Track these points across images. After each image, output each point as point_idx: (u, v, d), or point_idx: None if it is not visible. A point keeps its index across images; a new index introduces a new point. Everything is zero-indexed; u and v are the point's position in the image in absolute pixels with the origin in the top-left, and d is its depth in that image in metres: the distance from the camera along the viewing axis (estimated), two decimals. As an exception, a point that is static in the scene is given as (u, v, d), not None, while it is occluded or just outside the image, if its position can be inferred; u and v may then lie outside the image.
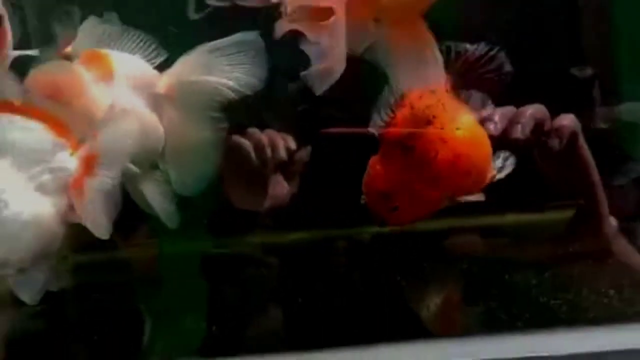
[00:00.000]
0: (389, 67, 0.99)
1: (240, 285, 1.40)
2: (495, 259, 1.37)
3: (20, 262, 0.95)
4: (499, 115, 1.05)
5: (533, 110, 1.08)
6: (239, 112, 1.35)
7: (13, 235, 0.92)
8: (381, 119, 1.03)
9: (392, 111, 1.02)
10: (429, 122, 1.00)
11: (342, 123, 1.31)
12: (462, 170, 1.00)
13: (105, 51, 1.05)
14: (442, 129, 1.00)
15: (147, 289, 1.56)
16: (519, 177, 1.08)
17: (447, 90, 1.03)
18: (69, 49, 1.09)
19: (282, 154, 1.35)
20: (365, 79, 1.18)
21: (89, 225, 0.96)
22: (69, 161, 0.98)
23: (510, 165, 1.05)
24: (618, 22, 1.66)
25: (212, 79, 1.03)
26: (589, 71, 1.62)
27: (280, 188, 1.40)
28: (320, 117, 1.39)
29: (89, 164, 0.97)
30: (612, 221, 1.23)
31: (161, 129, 1.06)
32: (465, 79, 1.05)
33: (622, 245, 1.23)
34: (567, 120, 1.14)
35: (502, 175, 1.04)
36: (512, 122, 1.07)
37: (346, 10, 0.93)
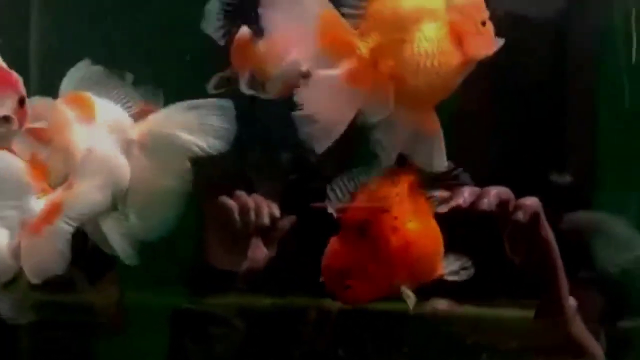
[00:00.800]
0: (390, 146, 1.06)
1: (204, 343, 1.41)
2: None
3: None
4: (468, 191, 1.14)
5: (498, 190, 1.19)
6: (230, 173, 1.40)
7: None
8: (338, 198, 1.09)
9: (352, 193, 1.09)
10: (384, 210, 1.07)
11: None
12: (410, 261, 1.08)
13: (87, 94, 1.11)
14: (395, 218, 1.07)
15: (107, 335, 1.55)
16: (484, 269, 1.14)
17: (410, 184, 1.10)
18: None
19: (266, 220, 1.39)
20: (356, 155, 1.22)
21: (25, 269, 0.98)
22: (35, 204, 1.01)
23: (464, 275, 1.12)
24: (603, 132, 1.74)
25: (183, 134, 1.09)
26: (567, 178, 1.69)
27: (259, 252, 1.43)
28: (307, 189, 1.43)
29: (52, 212, 1.00)
30: (572, 301, 1.29)
31: (128, 174, 1.10)
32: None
33: (579, 327, 1.30)
34: (530, 200, 1.24)
35: (451, 278, 1.11)
36: (479, 197, 1.17)
37: (371, 80, 1.01)
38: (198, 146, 1.09)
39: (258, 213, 1.38)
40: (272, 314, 1.46)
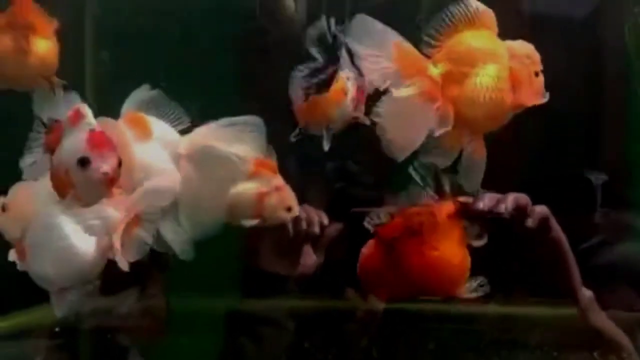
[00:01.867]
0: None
1: (258, 343, 1.51)
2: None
3: (63, 283, 1.18)
4: (488, 197, 1.26)
5: (516, 196, 1.29)
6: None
7: (64, 261, 1.16)
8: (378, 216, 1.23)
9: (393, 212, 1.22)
10: (415, 233, 1.20)
11: (371, 203, 1.42)
12: (427, 282, 1.21)
13: (144, 115, 1.26)
14: (423, 243, 1.20)
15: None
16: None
17: (448, 215, 1.22)
18: None
19: (316, 229, 1.48)
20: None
21: (119, 260, 1.15)
22: (111, 211, 1.18)
23: (482, 291, 1.23)
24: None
25: (222, 146, 1.24)
26: (603, 177, 1.74)
27: (309, 258, 1.51)
28: (353, 196, 1.51)
29: (136, 218, 1.18)
30: (586, 292, 1.40)
31: (178, 182, 1.25)
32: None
33: (596, 313, 1.41)
34: (540, 208, 1.34)
35: (471, 296, 1.22)
36: (498, 202, 1.26)
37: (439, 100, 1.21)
38: (235, 156, 1.24)
39: (309, 223, 1.47)
40: (321, 316, 1.55)
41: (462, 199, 1.24)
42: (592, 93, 1.74)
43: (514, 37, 1.26)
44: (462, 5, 1.21)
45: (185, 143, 1.26)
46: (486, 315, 1.53)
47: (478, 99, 1.21)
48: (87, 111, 1.13)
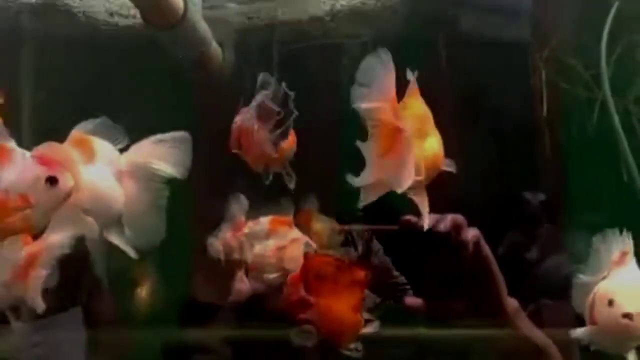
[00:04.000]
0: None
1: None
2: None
3: None
4: (429, 217, 1.32)
5: (453, 216, 1.44)
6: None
7: None
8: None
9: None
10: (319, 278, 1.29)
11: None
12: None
13: (88, 136, 1.29)
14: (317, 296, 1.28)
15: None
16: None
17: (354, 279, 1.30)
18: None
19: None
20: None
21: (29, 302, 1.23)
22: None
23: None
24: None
25: (155, 162, 1.31)
26: (541, 196, 1.80)
27: (243, 285, 1.53)
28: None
29: (33, 260, 1.25)
30: (512, 301, 1.50)
31: (122, 197, 1.29)
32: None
33: (523, 321, 1.51)
34: (472, 230, 1.47)
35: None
36: (438, 221, 1.41)
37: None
38: (166, 172, 1.31)
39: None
40: (256, 344, 1.55)
41: (407, 217, 1.33)
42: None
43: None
44: None
45: (124, 160, 1.31)
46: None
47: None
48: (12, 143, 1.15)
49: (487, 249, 1.48)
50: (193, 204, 1.73)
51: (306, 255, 1.26)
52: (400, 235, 1.31)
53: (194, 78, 1.71)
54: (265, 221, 1.32)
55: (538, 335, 1.50)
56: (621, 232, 1.35)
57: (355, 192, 1.23)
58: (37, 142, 1.37)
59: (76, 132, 1.28)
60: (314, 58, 1.83)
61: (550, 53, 1.83)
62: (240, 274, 1.52)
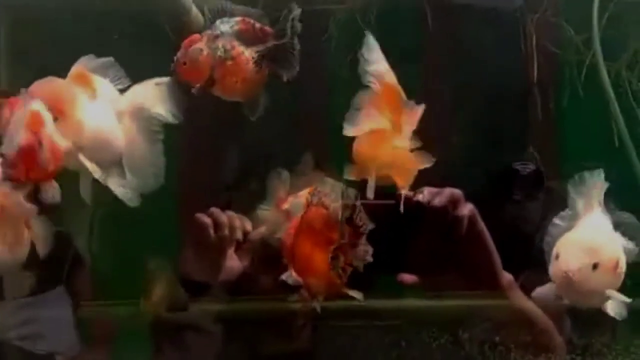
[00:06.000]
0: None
1: (184, 349, 1.51)
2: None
3: None
4: (427, 191, 1.43)
5: (451, 191, 1.46)
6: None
7: None
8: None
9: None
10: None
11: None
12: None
13: (91, 74, 1.29)
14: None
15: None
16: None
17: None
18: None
19: (239, 234, 1.49)
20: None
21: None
22: None
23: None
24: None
25: (155, 105, 1.34)
26: (531, 166, 1.78)
27: (233, 263, 1.50)
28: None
29: None
30: (507, 275, 1.53)
31: (122, 137, 1.31)
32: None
33: (517, 294, 1.53)
34: (468, 205, 1.49)
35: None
36: (435, 194, 1.44)
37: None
38: (164, 116, 1.34)
39: (232, 228, 1.48)
40: (248, 320, 1.54)
41: (403, 192, 1.30)
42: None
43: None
44: None
45: (124, 101, 1.32)
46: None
47: None
48: None
49: (481, 224, 1.48)
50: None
51: (309, 205, 1.25)
52: (396, 209, 1.29)
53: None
54: (304, 194, 1.28)
55: (531, 307, 1.50)
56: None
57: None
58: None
59: (78, 68, 1.28)
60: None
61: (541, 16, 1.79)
62: (230, 252, 1.50)
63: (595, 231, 1.30)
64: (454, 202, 1.46)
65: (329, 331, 1.55)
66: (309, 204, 1.25)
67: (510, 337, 1.53)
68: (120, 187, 1.28)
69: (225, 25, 1.36)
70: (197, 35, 1.36)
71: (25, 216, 1.29)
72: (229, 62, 1.35)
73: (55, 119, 1.20)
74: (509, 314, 1.54)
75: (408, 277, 1.50)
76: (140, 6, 1.69)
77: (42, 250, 1.34)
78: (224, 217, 1.48)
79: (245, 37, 1.37)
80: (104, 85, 1.29)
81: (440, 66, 1.84)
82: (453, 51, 1.84)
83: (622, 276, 1.29)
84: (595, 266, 1.24)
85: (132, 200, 1.29)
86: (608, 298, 1.28)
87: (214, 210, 1.50)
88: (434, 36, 1.82)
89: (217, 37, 1.35)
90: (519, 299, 1.51)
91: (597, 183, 1.32)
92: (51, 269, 1.54)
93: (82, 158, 1.22)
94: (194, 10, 1.78)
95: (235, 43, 1.36)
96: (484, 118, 1.84)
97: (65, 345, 1.62)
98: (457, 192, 1.46)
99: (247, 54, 1.36)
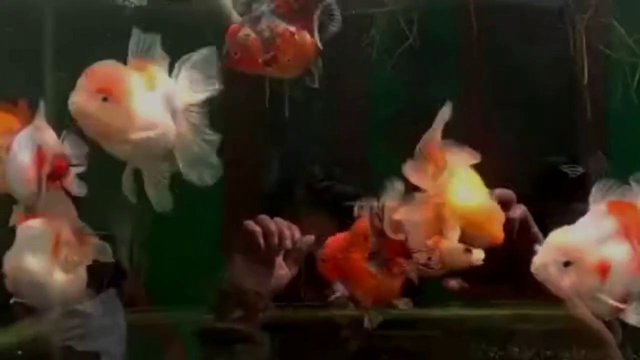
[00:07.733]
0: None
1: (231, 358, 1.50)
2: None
3: None
4: None
5: (501, 191, 1.32)
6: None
7: None
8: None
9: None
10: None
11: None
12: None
13: (150, 63, 1.22)
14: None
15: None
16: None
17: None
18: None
19: (288, 243, 1.46)
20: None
21: None
22: None
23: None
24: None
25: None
26: (579, 169, 1.74)
27: (282, 271, 1.49)
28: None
29: None
30: None
31: (174, 134, 1.23)
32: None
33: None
34: (520, 207, 1.41)
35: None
36: None
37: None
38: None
39: (281, 237, 1.46)
40: (296, 329, 1.53)
41: None
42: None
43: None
44: None
45: (181, 99, 1.25)
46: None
47: None
48: None
49: (535, 228, 1.40)
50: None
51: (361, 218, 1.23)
52: None
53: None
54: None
55: (592, 318, 1.37)
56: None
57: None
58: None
59: (137, 59, 1.21)
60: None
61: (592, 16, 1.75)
62: (279, 260, 1.49)
63: (584, 230, 1.16)
64: (504, 204, 1.33)
65: (376, 340, 1.53)
66: (359, 216, 1.23)
67: (564, 350, 1.49)
68: (153, 189, 1.24)
69: (263, 6, 1.33)
70: (235, 25, 1.33)
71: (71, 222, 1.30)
72: (278, 40, 1.32)
73: (105, 100, 1.15)
74: (564, 324, 1.47)
75: (454, 283, 1.47)
76: (182, 10, 1.69)
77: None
78: (273, 224, 1.47)
79: (284, 11, 1.33)
80: (162, 78, 1.24)
81: (482, 67, 1.81)
82: (496, 52, 1.80)
83: (620, 282, 1.14)
84: (566, 264, 1.12)
85: (160, 206, 1.26)
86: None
87: (263, 217, 1.48)
88: (478, 37, 1.79)
89: (258, 19, 1.32)
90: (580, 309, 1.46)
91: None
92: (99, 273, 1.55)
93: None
94: (234, 15, 1.78)
95: (278, 20, 1.32)
96: (529, 119, 1.81)
97: (112, 346, 1.63)
98: (508, 193, 1.36)
99: (292, 28, 1.33)
